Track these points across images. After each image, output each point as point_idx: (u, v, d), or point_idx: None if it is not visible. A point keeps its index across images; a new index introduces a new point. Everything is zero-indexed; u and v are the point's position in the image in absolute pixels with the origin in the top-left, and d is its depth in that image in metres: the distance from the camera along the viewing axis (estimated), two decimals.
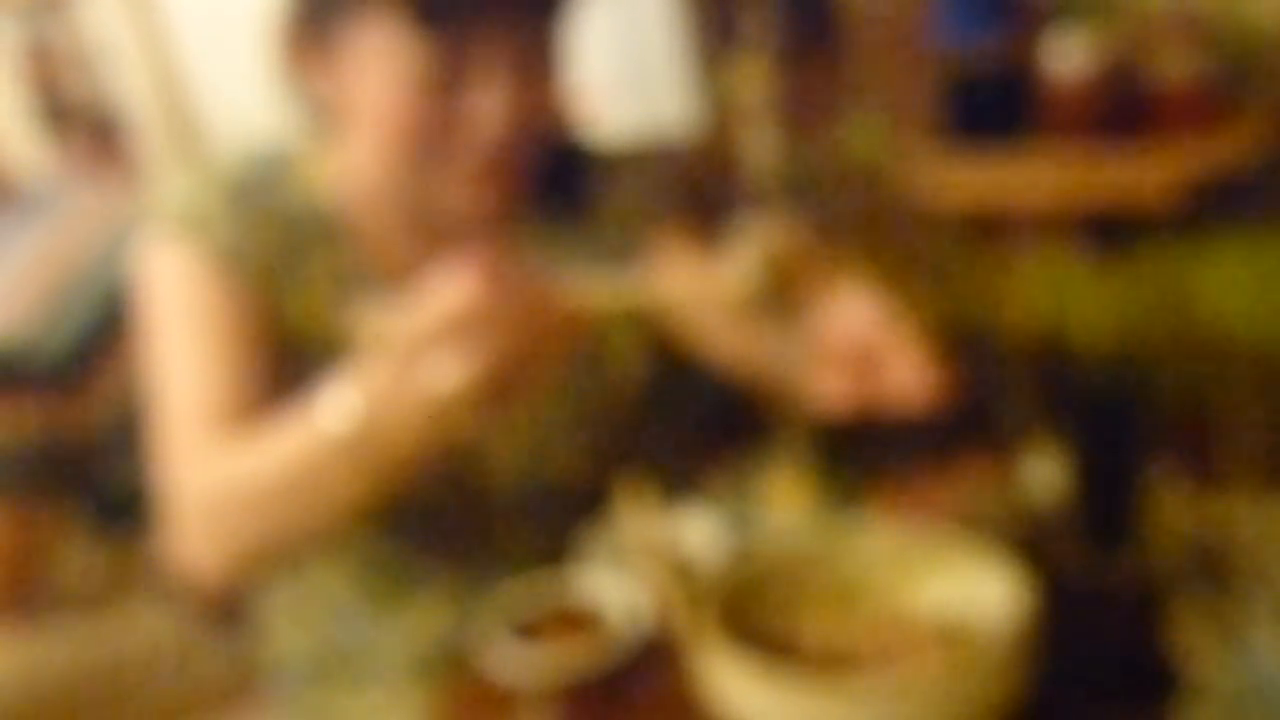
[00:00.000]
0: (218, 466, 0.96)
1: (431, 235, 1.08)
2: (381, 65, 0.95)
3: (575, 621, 0.96)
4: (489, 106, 0.95)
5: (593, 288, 0.87)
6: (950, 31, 1.17)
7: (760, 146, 1.51)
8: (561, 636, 0.93)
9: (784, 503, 1.11)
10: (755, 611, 0.88)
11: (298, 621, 1.21)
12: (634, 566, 1.00)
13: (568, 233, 1.17)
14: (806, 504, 1.10)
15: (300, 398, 1.02)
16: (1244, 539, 0.87)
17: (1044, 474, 1.06)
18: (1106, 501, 0.97)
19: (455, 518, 1.14)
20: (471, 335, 0.79)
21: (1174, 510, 0.98)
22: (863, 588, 0.91)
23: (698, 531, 1.06)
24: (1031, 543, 1.02)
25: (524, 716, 0.86)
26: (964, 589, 0.87)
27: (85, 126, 2.42)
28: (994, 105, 1.16)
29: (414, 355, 0.81)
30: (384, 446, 0.87)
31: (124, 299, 1.13)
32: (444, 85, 0.95)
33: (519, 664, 0.89)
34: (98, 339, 1.42)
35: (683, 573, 0.97)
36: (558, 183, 1.15)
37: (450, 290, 0.80)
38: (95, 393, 1.24)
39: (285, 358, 1.05)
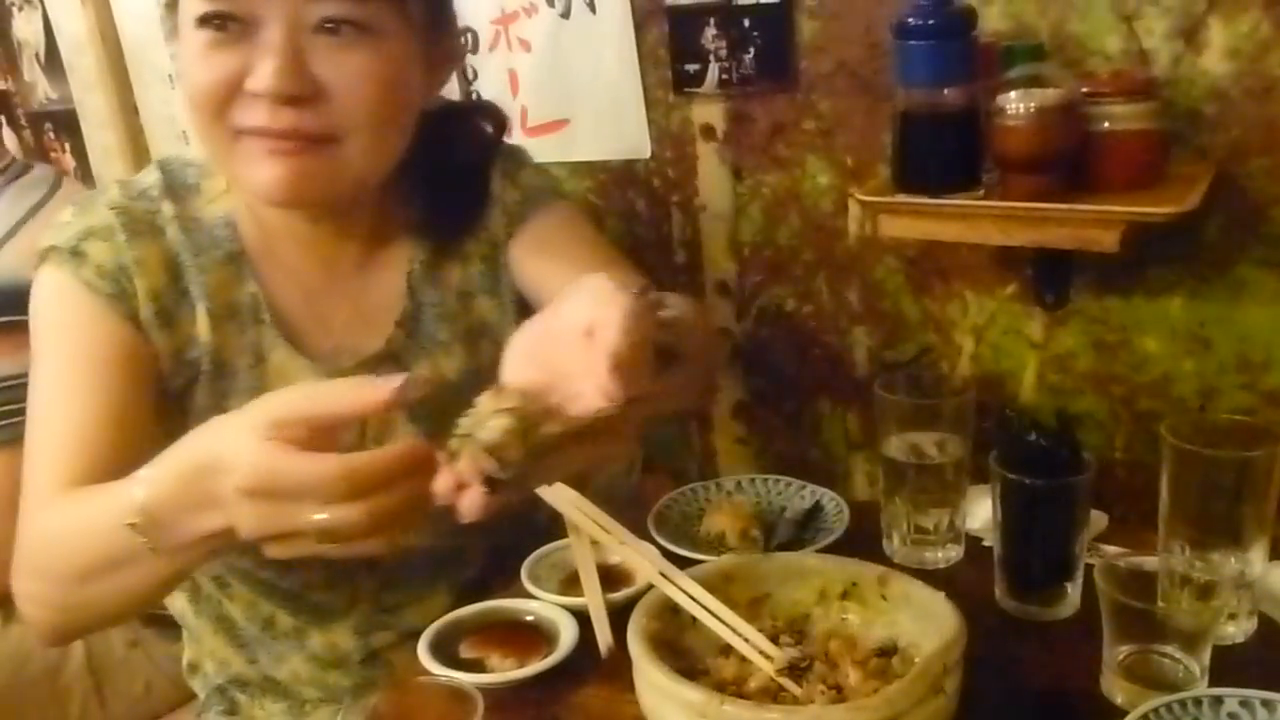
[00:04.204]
0: (50, 511, 0.90)
1: (319, 261, 1.06)
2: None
3: (512, 635, 0.96)
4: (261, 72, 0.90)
5: None
6: (902, 76, 1.19)
7: (714, 179, 1.52)
8: (497, 650, 0.94)
9: (728, 536, 1.11)
10: (694, 639, 0.88)
11: (202, 643, 1.20)
12: (575, 588, 0.99)
13: (465, 249, 1.13)
14: (749, 538, 1.10)
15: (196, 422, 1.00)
16: (1168, 583, 0.88)
17: (982, 511, 1.08)
18: (1039, 540, 0.99)
19: (353, 563, 1.11)
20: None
21: (1106, 550, 1.00)
22: (804, 617, 0.91)
23: (643, 557, 1.06)
24: (969, 576, 1.04)
25: None
26: (901, 620, 0.88)
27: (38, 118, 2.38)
28: (943, 148, 1.18)
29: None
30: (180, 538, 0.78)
31: None
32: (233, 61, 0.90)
33: (454, 674, 0.89)
34: None
35: (620, 595, 0.97)
36: (453, 199, 1.11)
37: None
38: None
39: (180, 384, 1.02)
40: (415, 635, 1.12)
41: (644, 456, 1.62)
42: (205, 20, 0.90)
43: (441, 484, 0.70)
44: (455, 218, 1.11)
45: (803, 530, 1.12)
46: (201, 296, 1.02)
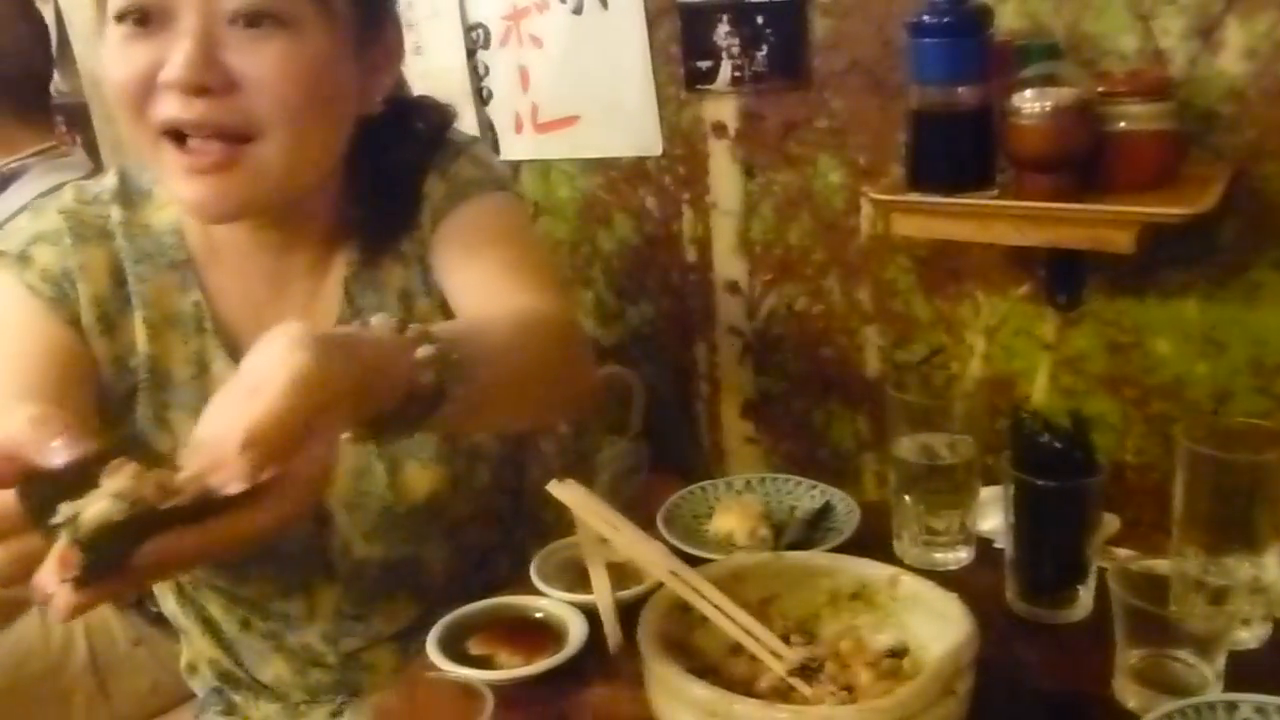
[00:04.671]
0: None
1: (266, 269, 1.04)
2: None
3: (521, 632, 0.95)
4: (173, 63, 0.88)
5: None
6: (917, 74, 1.19)
7: (725, 177, 1.52)
8: (506, 647, 0.93)
9: (737, 536, 1.10)
10: (703, 638, 0.88)
11: (194, 644, 1.21)
12: (585, 585, 0.99)
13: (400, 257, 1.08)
14: (758, 537, 1.10)
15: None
16: (1181, 587, 0.88)
17: (993, 512, 1.07)
18: (1051, 543, 0.98)
19: (309, 572, 1.10)
20: None
21: (1118, 554, 0.99)
22: (814, 617, 0.91)
23: (652, 555, 1.06)
24: (979, 579, 1.03)
25: None
26: (912, 622, 0.87)
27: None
28: (957, 147, 1.17)
29: None
30: None
31: None
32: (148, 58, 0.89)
33: (463, 672, 0.88)
34: None
35: (629, 594, 0.97)
36: (387, 199, 1.07)
37: None
38: None
39: (123, 391, 1.01)
40: (389, 638, 1.12)
41: (651, 455, 1.62)
42: (123, 16, 0.89)
43: (36, 581, 0.58)
44: (388, 218, 1.08)
45: (813, 530, 1.11)
46: (140, 305, 1.01)
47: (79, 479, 0.59)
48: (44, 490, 0.59)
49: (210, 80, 0.88)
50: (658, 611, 0.85)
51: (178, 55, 0.87)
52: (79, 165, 1.74)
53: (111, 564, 0.58)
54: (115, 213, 1.03)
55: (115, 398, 1.02)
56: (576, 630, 0.95)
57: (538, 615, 0.99)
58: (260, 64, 0.89)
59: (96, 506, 0.58)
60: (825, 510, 1.15)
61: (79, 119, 2.30)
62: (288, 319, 1.04)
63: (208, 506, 0.60)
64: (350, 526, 1.07)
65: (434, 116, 1.11)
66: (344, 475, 1.05)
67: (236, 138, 0.90)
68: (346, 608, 1.11)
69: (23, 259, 0.99)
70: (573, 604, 0.99)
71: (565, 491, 0.97)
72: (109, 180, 1.06)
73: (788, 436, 1.56)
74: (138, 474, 0.60)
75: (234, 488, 0.59)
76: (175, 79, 0.88)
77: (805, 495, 1.18)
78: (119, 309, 1.01)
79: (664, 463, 1.63)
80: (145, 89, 0.90)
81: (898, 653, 0.86)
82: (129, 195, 1.04)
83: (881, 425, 1.38)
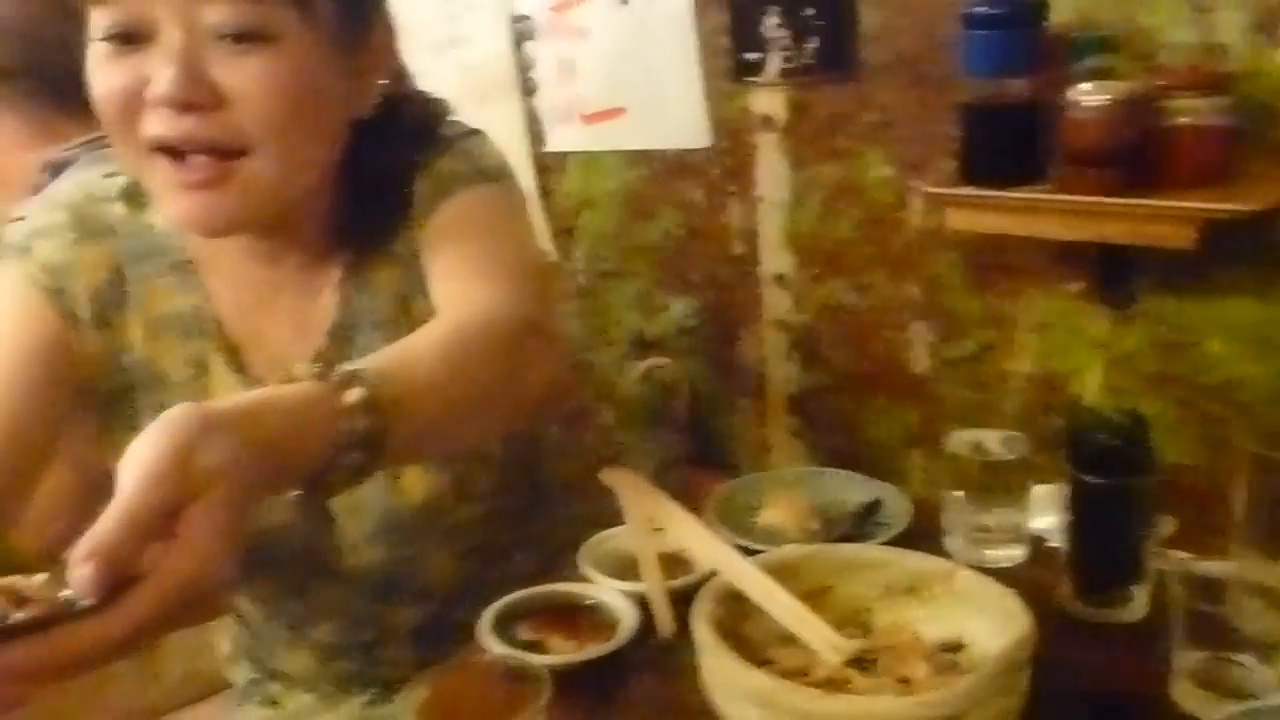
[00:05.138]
0: None
1: (265, 273, 1.03)
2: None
3: (572, 619, 0.96)
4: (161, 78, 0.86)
5: None
6: (970, 66, 1.18)
7: (772, 170, 1.51)
8: (557, 633, 0.93)
9: (786, 528, 1.10)
10: (755, 629, 0.87)
11: (230, 633, 1.22)
12: (635, 572, 0.99)
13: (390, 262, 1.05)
14: (808, 531, 1.09)
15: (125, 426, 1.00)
16: (1240, 590, 0.87)
17: (1045, 510, 1.06)
18: (1107, 542, 0.97)
19: (312, 573, 1.09)
20: None
21: (1172, 555, 0.98)
22: (867, 610, 0.90)
23: (707, 544, 1.05)
24: (1032, 577, 1.02)
25: (519, 711, 0.85)
26: (967, 617, 0.86)
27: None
28: (1011, 140, 1.17)
29: None
30: None
31: None
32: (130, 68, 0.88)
33: (516, 659, 0.88)
34: None
35: (680, 582, 0.96)
36: (376, 199, 1.04)
37: None
38: None
39: (114, 388, 1.02)
40: (404, 635, 1.11)
41: (695, 448, 1.62)
42: (108, 36, 0.89)
43: None
44: (379, 219, 1.05)
45: (862, 524, 1.11)
46: (139, 305, 1.02)
47: None
48: None
49: (197, 97, 0.87)
50: (713, 599, 0.85)
51: (164, 72, 0.86)
52: None
53: None
54: (120, 210, 1.03)
55: (103, 395, 1.02)
56: (628, 618, 0.95)
57: (589, 603, 0.99)
58: (246, 79, 0.88)
59: None
60: (874, 505, 1.15)
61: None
62: (288, 322, 1.05)
63: (64, 616, 0.55)
64: (352, 529, 1.06)
65: (425, 112, 1.08)
66: None
67: (228, 153, 0.89)
68: (353, 607, 1.11)
69: (25, 250, 1.00)
70: (624, 592, 0.99)
71: (618, 478, 0.97)
72: (119, 178, 1.05)
73: (833, 431, 1.55)
74: None
75: (84, 601, 0.55)
76: (161, 96, 0.87)
77: (855, 490, 1.18)
78: (116, 306, 1.01)
79: (707, 455, 1.62)
80: (131, 105, 0.89)
81: (953, 647, 0.85)
82: (136, 194, 1.04)
83: (928, 421, 1.37)
